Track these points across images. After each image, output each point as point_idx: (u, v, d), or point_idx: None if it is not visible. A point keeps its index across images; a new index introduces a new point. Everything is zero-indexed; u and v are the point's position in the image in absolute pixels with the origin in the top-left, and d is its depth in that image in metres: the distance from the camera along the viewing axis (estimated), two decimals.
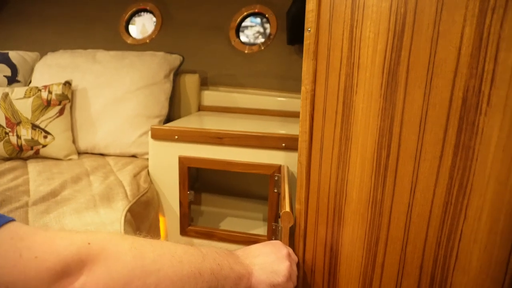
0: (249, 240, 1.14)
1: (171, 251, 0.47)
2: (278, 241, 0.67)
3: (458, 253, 0.49)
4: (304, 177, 0.75)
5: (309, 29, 0.69)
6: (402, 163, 0.55)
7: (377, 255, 0.61)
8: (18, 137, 1.27)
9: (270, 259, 0.60)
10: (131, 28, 1.83)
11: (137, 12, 1.77)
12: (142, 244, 0.45)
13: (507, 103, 0.43)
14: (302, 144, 0.74)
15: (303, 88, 0.72)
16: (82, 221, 0.94)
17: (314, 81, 0.71)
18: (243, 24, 1.69)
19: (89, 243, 0.41)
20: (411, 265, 0.56)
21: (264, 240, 0.82)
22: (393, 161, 0.57)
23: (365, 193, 0.62)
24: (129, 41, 1.73)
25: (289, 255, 0.64)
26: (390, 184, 0.57)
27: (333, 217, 0.70)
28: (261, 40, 1.65)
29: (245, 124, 1.30)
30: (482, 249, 0.47)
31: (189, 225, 1.19)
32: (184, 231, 1.19)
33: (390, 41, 0.55)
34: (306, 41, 0.71)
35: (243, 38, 1.71)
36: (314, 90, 0.71)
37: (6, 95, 1.29)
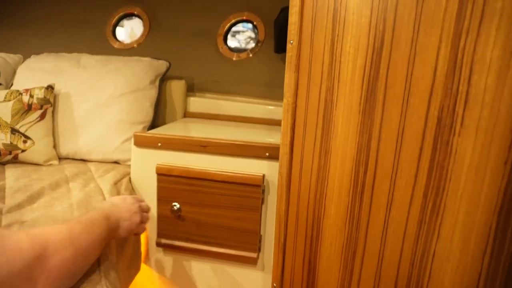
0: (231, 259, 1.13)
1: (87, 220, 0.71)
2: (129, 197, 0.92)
3: (431, 272, 0.49)
4: (284, 189, 0.74)
5: (291, 41, 0.69)
6: (379, 180, 0.55)
7: (354, 270, 0.60)
8: None
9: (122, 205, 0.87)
10: (120, 30, 1.81)
11: (125, 17, 1.75)
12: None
13: (479, 125, 0.43)
14: (283, 157, 0.74)
15: (285, 100, 0.72)
16: None
17: (296, 94, 0.70)
18: (235, 29, 1.68)
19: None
20: (386, 282, 0.55)
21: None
22: (370, 178, 0.56)
23: (343, 208, 0.62)
24: (116, 45, 1.71)
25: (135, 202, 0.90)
26: (367, 200, 0.57)
27: (311, 230, 0.70)
28: (252, 45, 1.65)
29: (230, 132, 1.29)
30: (454, 269, 0.47)
31: (165, 238, 1.17)
32: (159, 243, 1.18)
33: (370, 57, 0.55)
34: (288, 54, 0.71)
35: (234, 43, 1.71)
36: (295, 103, 0.71)
37: None
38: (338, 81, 0.61)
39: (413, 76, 0.49)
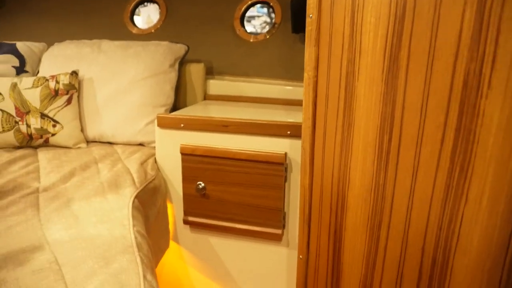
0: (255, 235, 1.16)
1: None
2: None
3: (459, 235, 0.50)
4: (307, 163, 0.76)
5: (310, 15, 0.69)
6: (404, 147, 0.56)
7: (380, 238, 0.62)
8: (28, 126, 1.29)
9: None
10: (137, 19, 1.84)
11: (142, 2, 1.77)
12: None
13: (508, 85, 0.43)
14: (306, 131, 0.75)
15: (305, 74, 0.73)
16: (91, 207, 0.96)
17: (317, 68, 0.71)
18: (250, 14, 1.68)
19: None
20: (413, 247, 0.57)
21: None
22: (395, 146, 0.57)
23: (367, 178, 0.63)
24: (134, 31, 1.74)
25: None
26: (392, 169, 0.58)
27: (336, 202, 0.71)
28: (268, 29, 1.64)
29: (251, 112, 1.31)
30: (483, 231, 0.48)
31: (191, 215, 1.21)
32: (186, 221, 1.22)
33: (391, 26, 0.55)
34: (308, 28, 0.71)
35: (249, 28, 1.71)
36: (316, 76, 0.71)
37: (15, 85, 1.31)
38: (360, 52, 0.61)
39: (437, 42, 0.49)
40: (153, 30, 1.72)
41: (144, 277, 0.75)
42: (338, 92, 0.67)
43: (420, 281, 0.55)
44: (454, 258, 0.52)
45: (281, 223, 1.13)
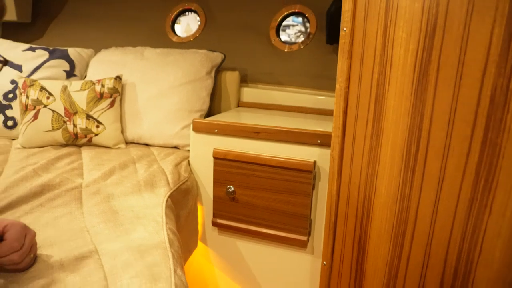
0: (280, 241, 1.19)
1: None
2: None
3: (482, 247, 0.51)
4: (336, 171, 0.78)
5: (344, 28, 0.73)
6: (430, 159, 0.57)
7: (404, 247, 0.63)
8: (74, 125, 1.40)
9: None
10: (177, 27, 1.94)
11: (183, 12, 1.87)
12: None
13: None
14: (335, 139, 0.78)
15: (337, 85, 0.76)
16: (128, 203, 1.03)
17: (348, 79, 0.74)
18: (285, 23, 1.73)
19: None
20: (436, 258, 0.58)
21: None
22: (421, 157, 0.59)
23: (393, 187, 0.65)
24: (174, 39, 1.83)
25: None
26: (418, 179, 0.60)
27: (362, 209, 0.73)
28: (302, 39, 1.68)
29: (282, 120, 1.35)
30: (505, 244, 0.48)
31: (220, 218, 1.25)
32: (215, 223, 1.26)
33: (422, 41, 0.58)
34: (341, 40, 0.74)
35: (284, 37, 1.75)
36: (348, 87, 0.74)
37: (65, 88, 1.43)
38: (390, 66, 0.63)
39: (466, 57, 0.51)
40: (192, 39, 1.81)
41: (175, 271, 0.80)
42: (368, 103, 0.70)
43: None
44: (476, 270, 0.53)
45: (307, 230, 1.16)
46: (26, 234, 0.74)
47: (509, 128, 0.47)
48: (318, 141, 1.11)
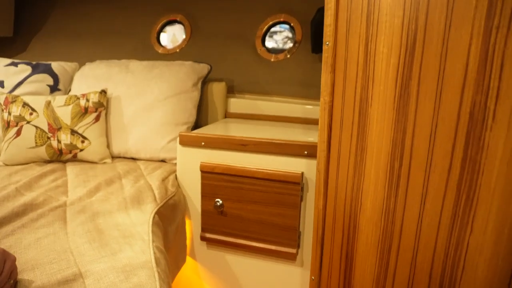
0: (270, 254, 1.18)
1: None
2: None
3: (465, 264, 0.51)
4: (322, 185, 0.78)
5: (327, 42, 0.73)
6: (414, 174, 0.57)
7: (390, 262, 0.63)
8: (59, 141, 1.38)
9: None
10: (163, 36, 1.93)
11: (168, 23, 1.86)
12: None
13: (511, 119, 0.44)
14: (321, 153, 0.78)
15: (321, 99, 0.76)
16: (114, 221, 1.01)
17: (332, 93, 0.74)
18: (273, 29, 1.73)
19: None
20: (421, 273, 0.57)
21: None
22: (405, 172, 0.59)
23: (378, 202, 0.65)
24: (160, 50, 1.83)
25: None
26: (402, 194, 0.60)
27: (348, 224, 0.73)
28: (289, 45, 1.69)
29: (270, 131, 1.34)
30: (487, 261, 0.48)
31: (209, 232, 1.24)
32: (203, 237, 1.25)
33: (403, 56, 0.58)
34: (324, 54, 0.74)
35: (272, 43, 1.76)
36: (332, 101, 0.74)
37: (48, 103, 1.41)
38: (373, 80, 0.64)
39: (445, 73, 0.51)
40: (178, 50, 1.80)
41: None
42: (352, 117, 0.70)
43: None
44: (460, 286, 0.53)
45: (296, 242, 1.15)
46: (6, 260, 0.72)
47: (487, 145, 0.47)
48: (305, 152, 1.11)
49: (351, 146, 0.70)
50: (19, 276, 0.77)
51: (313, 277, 0.83)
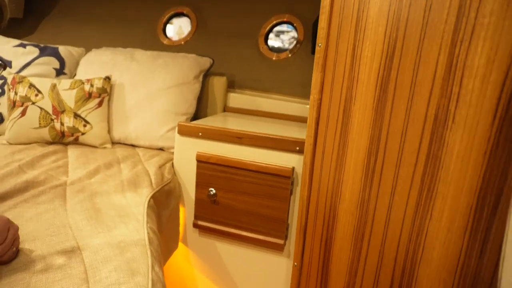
0: (258, 244, 1.25)
1: None
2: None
3: (424, 247, 0.58)
4: (307, 177, 0.86)
5: (319, 44, 0.80)
6: (386, 168, 0.65)
7: (362, 249, 0.70)
8: (62, 124, 1.45)
9: None
10: (169, 27, 2.00)
11: (175, 16, 1.94)
12: None
13: (466, 121, 0.52)
14: (308, 147, 0.85)
15: (311, 97, 0.83)
16: (111, 202, 1.09)
17: (321, 91, 0.81)
18: (280, 29, 1.80)
19: None
20: (388, 258, 0.65)
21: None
22: (379, 167, 0.66)
23: (355, 194, 0.72)
24: (165, 42, 1.90)
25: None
26: (375, 187, 0.67)
27: (328, 214, 0.80)
28: (296, 41, 1.76)
29: (266, 127, 1.42)
30: (441, 245, 0.55)
31: (201, 220, 1.32)
32: (196, 225, 1.32)
33: (383, 61, 0.65)
34: (316, 55, 0.82)
35: (278, 43, 1.83)
36: (320, 99, 0.82)
37: (54, 86, 1.49)
38: (357, 81, 0.71)
39: (417, 78, 0.58)
40: (182, 42, 1.88)
41: (152, 267, 0.86)
42: (337, 114, 0.77)
43: (392, 286, 0.63)
44: (419, 268, 0.60)
45: (284, 233, 1.22)
46: (9, 228, 0.78)
47: (447, 143, 0.54)
48: (297, 148, 1.18)
49: (335, 141, 0.77)
50: (21, 246, 0.85)
51: (295, 263, 0.90)
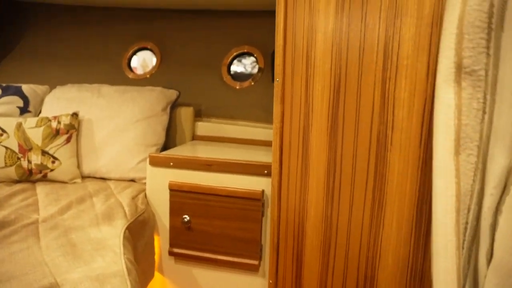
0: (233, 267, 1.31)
1: None
2: None
3: (381, 253, 0.68)
4: (276, 198, 0.94)
5: (277, 79, 0.91)
6: (343, 187, 0.74)
7: (329, 260, 0.79)
8: (29, 162, 1.46)
9: None
10: (133, 59, 2.07)
11: (139, 50, 2.01)
12: None
13: (401, 144, 0.62)
14: (274, 171, 0.94)
15: (274, 125, 0.93)
16: (87, 236, 1.12)
17: (282, 120, 0.91)
18: (242, 54, 1.91)
19: None
20: (352, 266, 0.74)
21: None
22: (337, 185, 0.76)
23: (319, 210, 0.81)
24: (130, 76, 1.96)
25: None
26: (336, 203, 0.76)
27: (298, 231, 0.89)
28: (257, 68, 1.87)
29: (234, 153, 1.50)
30: (393, 248, 0.65)
31: (176, 247, 1.36)
32: (171, 252, 1.36)
33: (332, 93, 0.76)
34: (275, 89, 0.92)
35: (240, 68, 1.93)
36: (282, 128, 0.91)
37: (20, 124, 1.50)
38: (312, 111, 0.81)
39: (360, 108, 0.69)
40: (148, 76, 1.94)
41: None
42: (298, 140, 0.87)
43: None
44: (378, 273, 0.69)
45: (258, 254, 1.29)
46: None
47: (389, 162, 0.64)
48: (265, 171, 1.27)
49: (298, 164, 0.87)
50: None
51: (270, 281, 0.97)
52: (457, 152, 0.42)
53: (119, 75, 1.96)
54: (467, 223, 0.42)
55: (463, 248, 0.42)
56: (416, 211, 0.61)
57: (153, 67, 1.96)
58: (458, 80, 0.42)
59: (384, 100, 0.65)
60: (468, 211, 0.42)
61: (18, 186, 1.42)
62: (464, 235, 0.42)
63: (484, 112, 0.42)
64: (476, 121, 0.42)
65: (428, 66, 0.56)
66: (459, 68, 0.42)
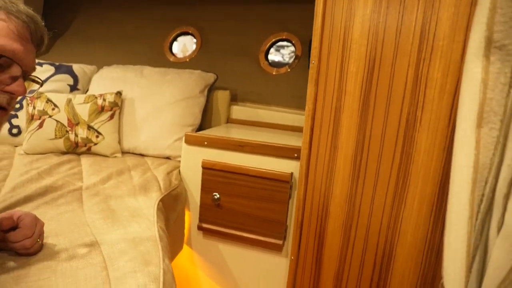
0: (259, 245, 1.35)
1: None
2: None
3: (400, 232, 0.69)
4: (303, 178, 0.97)
5: (313, 61, 0.92)
6: (370, 166, 0.76)
7: (350, 239, 0.81)
8: (76, 135, 1.57)
9: None
10: (174, 44, 2.14)
11: (181, 35, 2.08)
12: None
13: (430, 124, 0.63)
14: (303, 152, 0.97)
15: (306, 107, 0.95)
16: (124, 204, 1.20)
17: (315, 102, 0.93)
18: (281, 44, 1.94)
19: None
20: (371, 244, 0.75)
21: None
22: (363, 165, 0.77)
23: (344, 190, 0.83)
24: (171, 59, 2.04)
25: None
26: (361, 182, 0.78)
27: (322, 210, 0.91)
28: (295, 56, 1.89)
29: (266, 136, 1.53)
30: (413, 228, 0.66)
31: (205, 222, 1.42)
32: (200, 227, 1.42)
33: (366, 75, 0.77)
34: (310, 71, 0.94)
35: (278, 57, 1.96)
36: (314, 109, 0.93)
37: (69, 100, 1.61)
38: (345, 93, 0.83)
39: (392, 89, 0.70)
40: (188, 59, 2.01)
41: (163, 259, 0.96)
42: (329, 122, 0.89)
43: (374, 268, 0.73)
44: (396, 250, 0.70)
45: (283, 234, 1.32)
46: (37, 224, 0.89)
47: (416, 142, 0.65)
48: (295, 155, 1.29)
49: (327, 145, 0.88)
50: (45, 241, 0.95)
51: (292, 257, 1.00)
52: (479, 125, 0.42)
53: (161, 58, 2.05)
54: (483, 195, 0.43)
55: (476, 219, 0.43)
56: (438, 191, 0.61)
57: (193, 51, 2.03)
58: (487, 54, 0.42)
59: (417, 82, 0.66)
60: (486, 184, 0.42)
61: (65, 157, 1.54)
62: (479, 207, 0.43)
63: (510, 87, 0.42)
64: (501, 95, 0.42)
65: (464, 46, 0.56)
66: (489, 42, 0.42)
